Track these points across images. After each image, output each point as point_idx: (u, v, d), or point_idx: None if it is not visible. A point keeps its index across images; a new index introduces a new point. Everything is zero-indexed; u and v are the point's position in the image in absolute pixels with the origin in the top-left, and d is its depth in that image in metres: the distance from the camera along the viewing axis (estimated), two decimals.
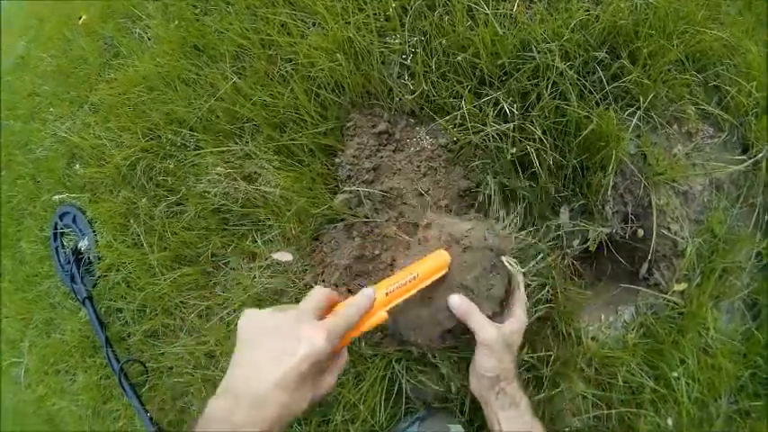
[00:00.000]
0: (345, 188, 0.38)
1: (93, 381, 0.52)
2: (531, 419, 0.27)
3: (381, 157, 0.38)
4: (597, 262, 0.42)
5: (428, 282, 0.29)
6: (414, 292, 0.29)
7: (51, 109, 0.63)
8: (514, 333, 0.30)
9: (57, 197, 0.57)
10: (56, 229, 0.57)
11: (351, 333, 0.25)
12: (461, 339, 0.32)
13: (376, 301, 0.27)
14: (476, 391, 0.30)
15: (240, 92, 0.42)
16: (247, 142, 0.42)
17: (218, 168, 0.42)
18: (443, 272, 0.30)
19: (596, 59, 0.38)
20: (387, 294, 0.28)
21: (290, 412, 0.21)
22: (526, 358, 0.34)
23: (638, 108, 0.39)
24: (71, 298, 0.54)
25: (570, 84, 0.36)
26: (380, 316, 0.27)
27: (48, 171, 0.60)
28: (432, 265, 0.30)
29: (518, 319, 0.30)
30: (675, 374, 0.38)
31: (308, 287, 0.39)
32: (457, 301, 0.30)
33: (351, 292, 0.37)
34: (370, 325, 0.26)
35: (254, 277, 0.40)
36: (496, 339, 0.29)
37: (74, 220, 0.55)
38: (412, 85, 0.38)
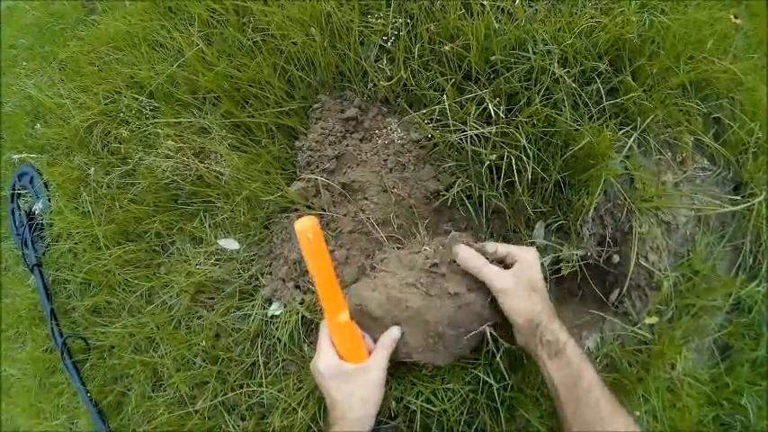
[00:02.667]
0: (303, 175, 0.33)
1: (39, 351, 0.48)
2: (580, 362, 0.25)
3: (346, 145, 0.33)
4: (566, 283, 0.37)
5: (319, 253, 0.26)
6: (319, 274, 0.26)
7: (24, 63, 0.58)
8: (530, 270, 0.27)
9: (16, 156, 0.51)
10: (13, 189, 0.51)
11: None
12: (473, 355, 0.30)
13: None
14: (522, 343, 0.28)
15: (205, 60, 0.37)
16: (205, 115, 0.37)
17: (170, 142, 0.36)
18: (315, 233, 0.25)
19: (596, 70, 0.34)
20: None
21: None
22: (486, 378, 0.30)
23: (634, 128, 0.35)
24: (23, 263, 0.49)
25: (565, 93, 0.32)
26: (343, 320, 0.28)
27: (12, 128, 0.55)
28: (308, 249, 0.25)
29: (523, 258, 0.28)
30: (638, 413, 0.34)
31: (254, 279, 0.34)
32: (465, 255, 0.28)
33: (298, 288, 0.33)
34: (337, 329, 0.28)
35: (199, 263, 0.35)
36: (516, 283, 0.27)
37: (31, 182, 0.50)
38: (389, 70, 0.33)
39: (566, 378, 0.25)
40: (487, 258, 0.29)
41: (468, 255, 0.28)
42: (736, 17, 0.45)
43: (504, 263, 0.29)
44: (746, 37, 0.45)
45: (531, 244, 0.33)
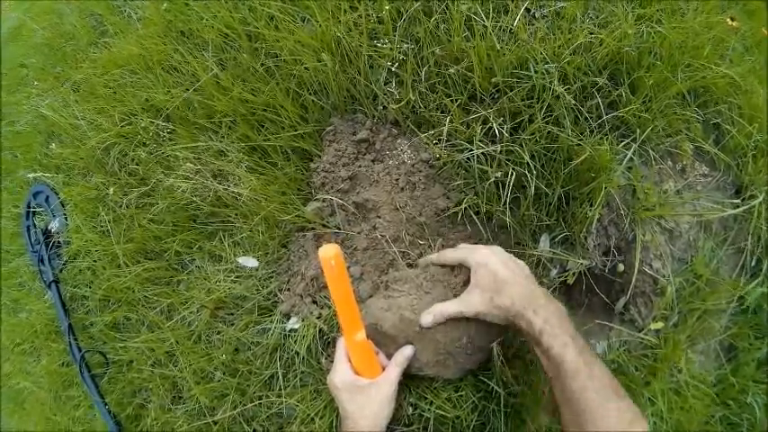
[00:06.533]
0: (318, 196, 0.35)
1: (55, 365, 0.50)
2: (560, 349, 0.24)
3: (359, 166, 0.36)
4: (572, 293, 0.40)
5: (342, 280, 0.28)
6: (340, 297, 0.28)
7: (36, 83, 0.60)
8: (486, 271, 0.27)
9: (31, 175, 0.54)
10: (29, 207, 0.54)
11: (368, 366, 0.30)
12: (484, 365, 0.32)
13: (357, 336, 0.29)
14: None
15: (220, 84, 0.39)
16: (222, 138, 0.39)
17: (189, 164, 0.39)
18: (337, 260, 0.27)
19: (595, 85, 0.36)
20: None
21: None
22: (497, 388, 0.32)
23: (634, 140, 0.37)
24: (39, 279, 0.51)
25: (566, 108, 0.34)
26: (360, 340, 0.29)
27: (25, 147, 0.57)
28: (330, 275, 0.27)
29: (474, 262, 0.28)
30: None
31: (273, 295, 0.37)
32: (429, 320, 0.29)
33: (315, 303, 0.35)
34: (357, 352, 0.29)
35: (218, 280, 0.37)
36: (479, 299, 0.27)
37: (46, 201, 0.52)
38: (398, 93, 0.35)
39: (549, 364, 0.25)
40: (449, 267, 0.29)
41: (431, 319, 0.28)
42: (732, 20, 0.46)
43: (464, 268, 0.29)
44: (744, 39, 0.47)
45: (537, 256, 0.34)
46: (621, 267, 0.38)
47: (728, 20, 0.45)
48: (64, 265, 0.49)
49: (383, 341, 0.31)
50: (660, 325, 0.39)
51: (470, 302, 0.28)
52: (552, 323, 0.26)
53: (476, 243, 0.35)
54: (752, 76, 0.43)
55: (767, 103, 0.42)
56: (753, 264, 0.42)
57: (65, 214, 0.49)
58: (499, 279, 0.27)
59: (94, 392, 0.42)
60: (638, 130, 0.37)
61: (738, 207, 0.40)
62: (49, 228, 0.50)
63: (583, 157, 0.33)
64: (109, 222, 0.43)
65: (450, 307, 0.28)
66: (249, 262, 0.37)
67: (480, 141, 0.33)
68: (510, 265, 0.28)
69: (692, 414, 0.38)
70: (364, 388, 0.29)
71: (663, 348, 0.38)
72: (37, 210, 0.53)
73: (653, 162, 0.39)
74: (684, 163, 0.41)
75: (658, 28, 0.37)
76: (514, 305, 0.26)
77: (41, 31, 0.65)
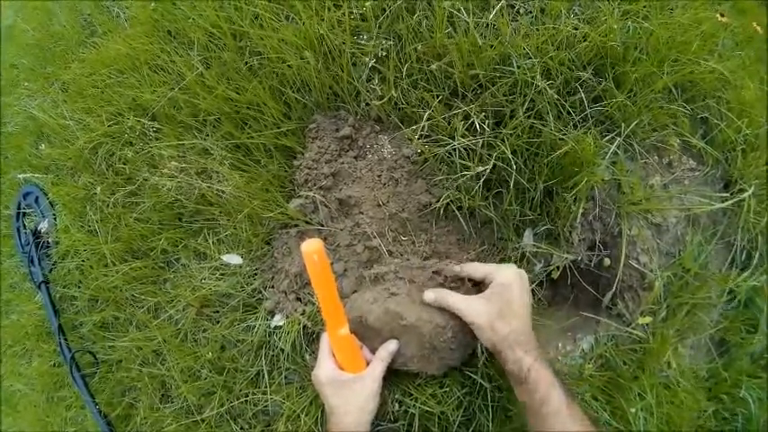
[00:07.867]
0: (301, 193, 0.36)
1: (47, 366, 0.50)
2: (547, 388, 0.26)
3: (342, 162, 0.36)
4: (558, 287, 0.40)
5: (326, 276, 0.28)
6: (324, 292, 0.28)
7: (26, 83, 0.61)
8: (505, 292, 0.28)
9: (21, 176, 0.54)
10: (19, 208, 0.54)
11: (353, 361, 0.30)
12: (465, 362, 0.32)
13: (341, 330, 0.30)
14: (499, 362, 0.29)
15: (205, 83, 0.39)
16: (207, 137, 0.40)
17: (173, 162, 0.39)
18: (320, 255, 0.27)
19: (579, 80, 0.36)
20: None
21: None
22: (482, 382, 0.32)
23: (619, 134, 0.37)
24: (29, 280, 0.52)
25: (548, 103, 0.34)
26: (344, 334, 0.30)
27: (16, 148, 0.58)
28: (313, 270, 0.28)
29: (498, 279, 0.28)
30: (633, 410, 0.36)
31: (257, 292, 0.37)
32: (432, 297, 0.29)
33: (299, 300, 0.35)
34: (340, 347, 0.30)
35: (203, 278, 0.38)
36: (483, 312, 0.27)
37: (36, 201, 0.53)
38: (381, 90, 0.35)
39: (532, 403, 0.26)
40: (466, 280, 0.30)
41: (434, 296, 0.29)
42: (722, 15, 0.47)
43: (483, 283, 0.30)
44: (733, 34, 0.47)
45: (521, 250, 0.35)
46: (608, 262, 0.38)
47: (718, 16, 0.46)
48: (53, 265, 0.49)
49: (367, 334, 0.31)
50: (648, 319, 0.39)
51: (473, 308, 0.28)
52: (540, 364, 0.27)
53: (459, 239, 0.35)
54: (741, 71, 0.44)
55: (767, 98, 0.42)
56: (743, 257, 0.42)
57: (54, 215, 0.50)
58: (510, 308, 0.28)
59: (85, 393, 0.42)
60: (622, 125, 0.37)
61: (727, 201, 0.40)
62: (39, 228, 0.51)
63: (564, 150, 0.33)
64: (96, 222, 0.44)
65: (454, 299, 0.28)
66: (233, 259, 0.37)
67: (462, 137, 0.33)
68: (524, 299, 0.28)
69: (682, 409, 0.38)
70: (348, 383, 0.29)
71: (651, 343, 0.38)
72: (27, 211, 0.54)
73: (638, 157, 0.39)
74: (671, 157, 0.41)
75: (645, 23, 0.37)
76: (509, 337, 0.27)
77: (32, 31, 0.66)
